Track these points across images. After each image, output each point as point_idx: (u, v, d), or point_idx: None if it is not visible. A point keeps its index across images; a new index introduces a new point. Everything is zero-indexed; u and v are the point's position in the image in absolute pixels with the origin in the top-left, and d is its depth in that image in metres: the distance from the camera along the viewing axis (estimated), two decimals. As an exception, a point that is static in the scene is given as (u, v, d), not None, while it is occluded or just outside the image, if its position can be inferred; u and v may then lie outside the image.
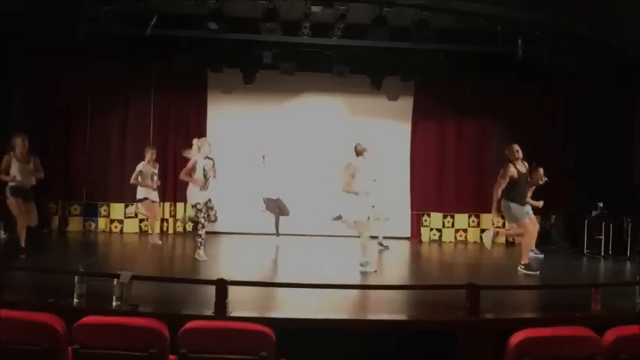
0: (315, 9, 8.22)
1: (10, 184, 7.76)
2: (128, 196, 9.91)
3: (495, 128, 11.11)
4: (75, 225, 10.74)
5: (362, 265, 7.58)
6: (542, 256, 9.07)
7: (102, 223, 10.80)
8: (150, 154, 9.44)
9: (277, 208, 10.01)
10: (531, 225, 8.02)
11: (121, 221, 10.81)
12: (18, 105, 9.99)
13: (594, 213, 9.66)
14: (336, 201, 8.07)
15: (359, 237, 7.80)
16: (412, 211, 11.24)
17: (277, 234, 10.02)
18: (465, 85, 10.59)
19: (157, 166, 9.60)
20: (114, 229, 10.80)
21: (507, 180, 7.63)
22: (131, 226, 10.72)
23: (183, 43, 9.82)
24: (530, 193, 8.89)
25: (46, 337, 3.45)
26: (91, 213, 10.79)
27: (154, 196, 9.49)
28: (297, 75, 10.44)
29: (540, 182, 9.05)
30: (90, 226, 10.79)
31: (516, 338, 3.64)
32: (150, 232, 9.79)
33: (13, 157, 7.80)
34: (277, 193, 9.97)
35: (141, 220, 10.79)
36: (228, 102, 11.27)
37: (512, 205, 7.72)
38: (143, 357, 3.43)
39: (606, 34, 8.78)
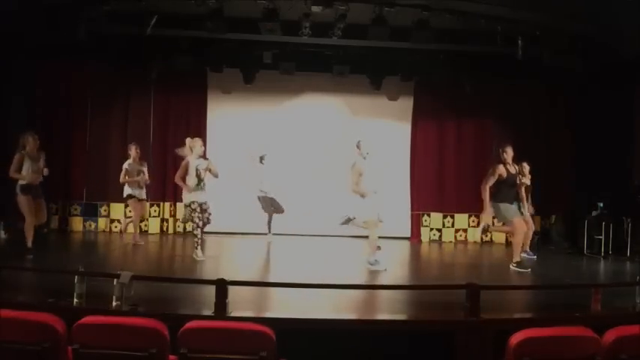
0: (315, 9, 8.23)
1: (21, 182, 7.72)
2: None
3: (495, 128, 11.12)
4: (75, 225, 10.74)
5: (371, 264, 7.54)
6: (535, 257, 8.81)
7: (102, 223, 10.80)
8: (134, 150, 9.36)
9: (272, 206, 10.15)
10: (522, 224, 8.00)
11: (120, 221, 10.79)
12: (18, 105, 9.98)
13: (594, 213, 9.65)
14: (343, 201, 7.87)
15: (368, 237, 7.71)
16: (412, 211, 11.25)
17: (269, 232, 10.25)
18: (464, 85, 10.59)
19: (145, 163, 9.52)
20: (114, 229, 10.80)
21: (496, 178, 7.75)
22: (131, 226, 10.69)
23: (183, 43, 9.82)
24: (524, 194, 8.69)
25: (46, 337, 3.45)
26: (91, 213, 10.80)
27: (140, 193, 9.40)
28: (297, 75, 10.45)
29: (524, 180, 8.66)
30: (90, 226, 10.80)
31: (516, 338, 3.64)
32: (132, 230, 9.61)
33: (25, 155, 7.77)
34: (272, 191, 10.07)
35: (141, 220, 10.80)
36: (228, 102, 11.27)
37: (502, 205, 7.84)
38: (143, 357, 3.43)
39: (606, 34, 8.77)
